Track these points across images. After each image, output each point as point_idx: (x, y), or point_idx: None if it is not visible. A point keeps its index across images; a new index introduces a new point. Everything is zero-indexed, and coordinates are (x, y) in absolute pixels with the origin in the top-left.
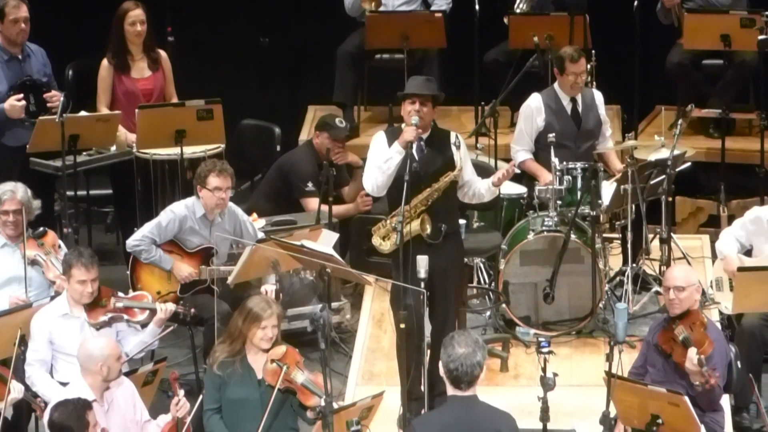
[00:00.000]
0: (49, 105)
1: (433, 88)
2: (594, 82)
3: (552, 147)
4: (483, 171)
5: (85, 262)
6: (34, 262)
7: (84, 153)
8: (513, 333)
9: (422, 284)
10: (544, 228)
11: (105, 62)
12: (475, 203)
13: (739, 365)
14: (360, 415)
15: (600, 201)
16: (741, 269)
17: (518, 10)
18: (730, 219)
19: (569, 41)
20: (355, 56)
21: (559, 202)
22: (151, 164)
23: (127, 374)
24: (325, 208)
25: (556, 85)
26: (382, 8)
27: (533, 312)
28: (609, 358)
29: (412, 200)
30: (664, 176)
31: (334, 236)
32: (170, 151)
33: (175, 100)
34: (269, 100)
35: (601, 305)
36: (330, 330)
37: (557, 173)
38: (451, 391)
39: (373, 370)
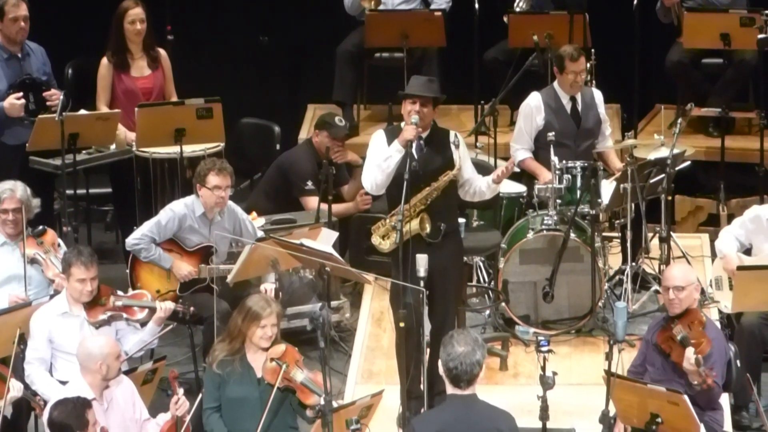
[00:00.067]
0: (48, 103)
1: (435, 90)
2: (593, 81)
3: (551, 146)
4: (483, 170)
5: (84, 260)
6: (33, 261)
7: (83, 151)
8: (512, 332)
9: (422, 283)
10: (543, 227)
11: (104, 61)
12: (476, 201)
13: (739, 364)
14: (359, 414)
15: (599, 200)
16: (740, 268)
17: (518, 9)
18: (730, 218)
19: (569, 40)
20: (355, 55)
21: (558, 201)
22: (151, 163)
23: (126, 373)
24: (324, 206)
25: (555, 83)
26: (381, 7)
27: (533, 311)
28: (608, 357)
29: (412, 199)
30: (663, 175)
31: (334, 235)
32: (170, 150)
33: (174, 98)
34: (269, 98)
35: (600, 304)
36: (329, 329)
37: (557, 172)
38: (450, 389)
39: (372, 369)
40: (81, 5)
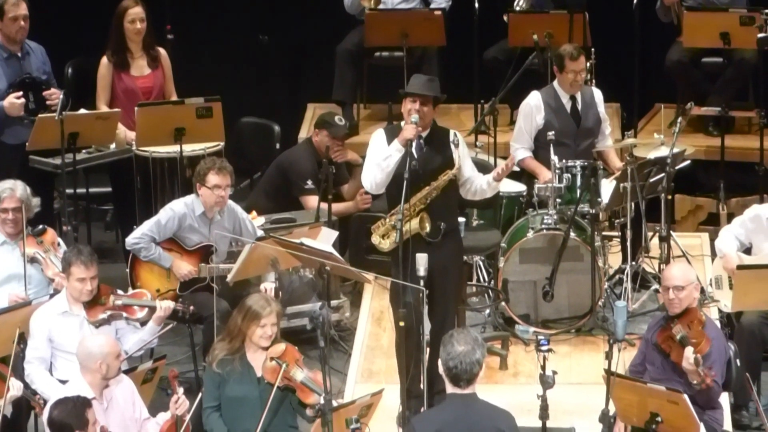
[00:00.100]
0: (48, 103)
1: (435, 89)
2: (593, 80)
3: (551, 145)
4: (482, 169)
5: (84, 259)
6: (33, 260)
7: (83, 151)
8: (512, 331)
9: (421, 282)
10: (543, 226)
11: (104, 60)
12: (477, 200)
13: (738, 363)
14: (359, 413)
15: (599, 199)
16: (740, 267)
17: (518, 8)
18: (730, 217)
19: (569, 39)
20: (355, 54)
21: (558, 200)
22: (151, 162)
23: (126, 372)
24: (324, 206)
25: (555, 83)
26: (381, 6)
27: (532, 310)
28: (608, 356)
29: (411, 198)
30: (663, 174)
31: (334, 234)
32: (169, 149)
33: (174, 97)
34: (269, 98)
35: (600, 303)
36: (329, 328)
37: (557, 171)
38: (450, 389)
39: (372, 368)
40: (81, 4)
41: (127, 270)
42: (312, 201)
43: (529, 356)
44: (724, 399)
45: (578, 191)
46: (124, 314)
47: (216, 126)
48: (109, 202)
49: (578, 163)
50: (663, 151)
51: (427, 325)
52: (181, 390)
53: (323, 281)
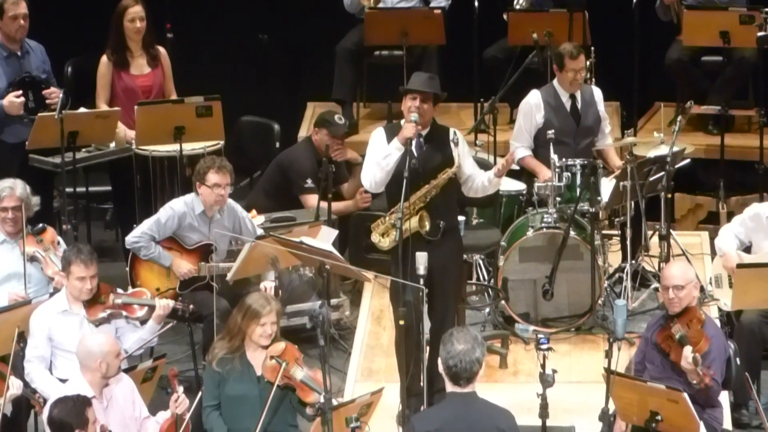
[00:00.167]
0: (48, 102)
1: (436, 87)
2: (593, 79)
3: (551, 144)
4: (482, 167)
5: (84, 258)
6: (33, 259)
7: (83, 149)
8: (512, 330)
9: (421, 281)
10: (543, 225)
11: (104, 59)
12: (480, 196)
13: (738, 362)
14: (359, 412)
15: (599, 198)
16: (740, 266)
17: (517, 7)
18: (730, 216)
19: (568, 38)
20: (354, 53)
21: (558, 199)
22: (150, 161)
23: (126, 371)
24: (324, 204)
25: (555, 81)
26: (381, 5)
27: (532, 309)
28: (608, 354)
29: (411, 197)
30: (663, 173)
31: (333, 233)
32: (169, 148)
33: (174, 96)
34: (268, 96)
35: (600, 302)
36: (329, 327)
37: (556, 170)
38: (450, 387)
39: (372, 367)
40: (81, 3)
41: (127, 269)
42: (312, 200)
43: (528, 355)
44: (724, 398)
45: (578, 190)
46: (124, 313)
47: (216, 125)
48: (108, 200)
49: (578, 161)
50: (663, 150)
51: (426, 324)
52: (180, 389)
53: (323, 280)
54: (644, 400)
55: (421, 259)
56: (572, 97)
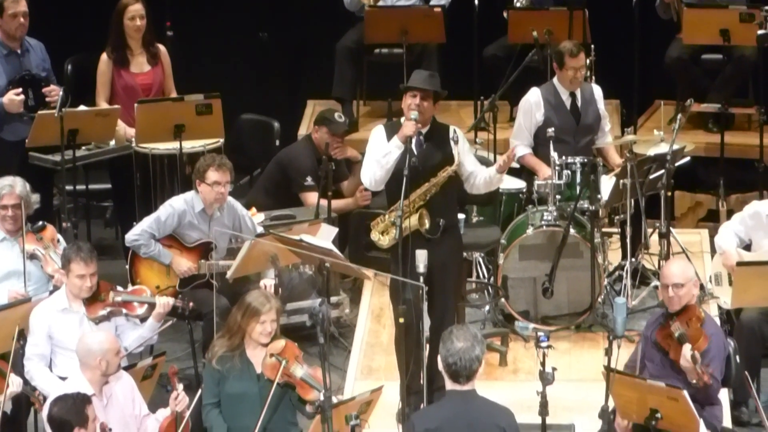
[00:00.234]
0: (48, 99)
1: (436, 84)
2: (593, 77)
3: (551, 142)
4: (482, 165)
5: (84, 256)
6: (32, 257)
7: (83, 147)
8: (512, 327)
9: (421, 279)
10: (543, 223)
11: (104, 57)
12: (482, 192)
13: (738, 360)
14: (359, 410)
15: (599, 196)
16: (740, 264)
17: (518, 5)
18: (729, 214)
19: (568, 36)
20: (354, 51)
21: (558, 197)
22: (150, 159)
23: (126, 369)
24: (324, 202)
25: (555, 79)
26: (381, 3)
27: (532, 306)
28: (608, 352)
29: (411, 195)
30: (663, 171)
31: (333, 231)
32: (169, 146)
33: (174, 94)
34: (268, 94)
35: (600, 300)
36: (329, 324)
37: (556, 168)
38: (449, 385)
39: (372, 365)
40: (81, 1)
41: (127, 267)
42: (312, 198)
43: (528, 353)
44: (724, 395)
45: (578, 188)
46: (124, 311)
47: (215, 123)
48: (108, 198)
49: (578, 159)
50: (663, 148)
51: (426, 322)
52: (180, 386)
53: (323, 278)
54: (644, 398)
55: (421, 257)
56: (572, 95)
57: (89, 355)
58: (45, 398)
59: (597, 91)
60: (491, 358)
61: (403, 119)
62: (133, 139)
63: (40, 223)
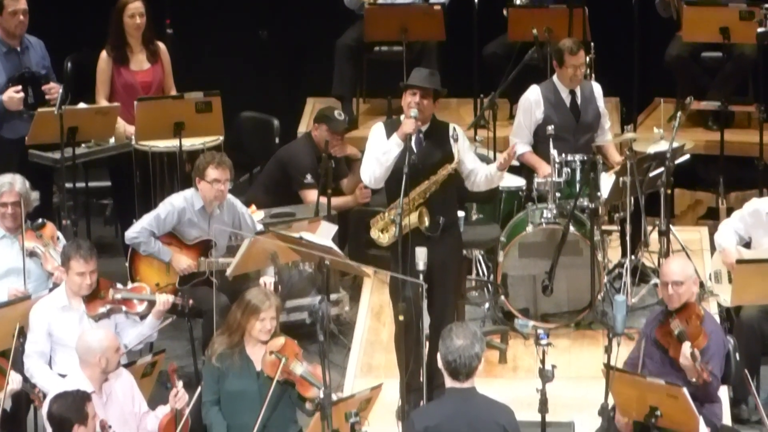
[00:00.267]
0: (47, 97)
1: (436, 83)
2: (593, 75)
3: (551, 139)
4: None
5: (83, 254)
6: (32, 254)
7: (83, 145)
8: (511, 325)
9: (421, 276)
10: (542, 220)
11: (104, 54)
12: (483, 190)
13: (738, 357)
14: (358, 407)
15: (599, 193)
16: (740, 261)
17: (517, 3)
18: (729, 211)
19: (568, 34)
20: (354, 49)
21: (558, 195)
22: (150, 156)
23: (125, 366)
24: (323, 200)
25: (555, 77)
26: (381, 1)
27: (532, 304)
28: (608, 350)
29: (411, 193)
30: (662, 169)
31: (333, 228)
32: (169, 144)
33: (173, 92)
34: (268, 92)
35: (599, 297)
36: (329, 322)
37: (556, 166)
38: (449, 383)
39: (371, 363)
40: None
41: (127, 264)
42: (311, 195)
43: (528, 350)
44: (723, 393)
45: (577, 186)
46: (124, 308)
47: (215, 120)
48: (108, 196)
49: (578, 157)
50: (662, 146)
51: (426, 320)
52: (180, 384)
53: (323, 275)
54: (643, 396)
55: (421, 254)
56: (572, 93)
57: (89, 352)
58: (45, 395)
59: (597, 88)
60: (491, 355)
61: (402, 117)
62: (133, 137)
63: (40, 220)
